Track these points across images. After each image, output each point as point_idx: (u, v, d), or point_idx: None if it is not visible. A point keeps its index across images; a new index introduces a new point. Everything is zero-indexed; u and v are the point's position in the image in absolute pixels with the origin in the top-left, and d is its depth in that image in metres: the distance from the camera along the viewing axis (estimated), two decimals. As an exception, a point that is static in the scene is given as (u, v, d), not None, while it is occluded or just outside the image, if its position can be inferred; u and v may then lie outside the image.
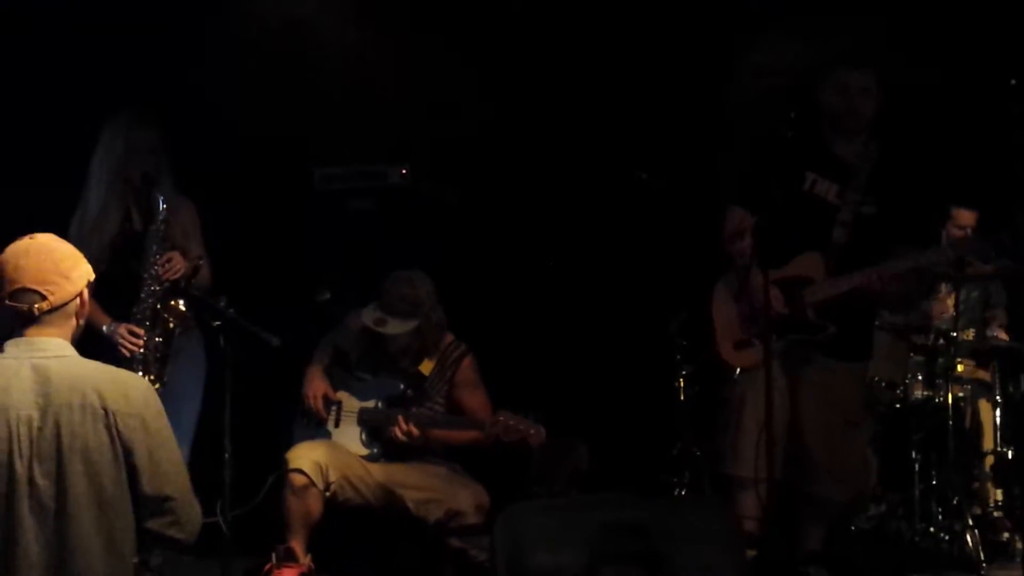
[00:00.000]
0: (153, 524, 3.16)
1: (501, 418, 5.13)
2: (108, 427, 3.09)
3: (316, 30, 6.43)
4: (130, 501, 3.12)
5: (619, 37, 6.55)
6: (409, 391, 5.36)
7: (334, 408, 5.36)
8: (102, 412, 3.09)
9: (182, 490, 3.18)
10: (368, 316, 5.28)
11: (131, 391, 3.17)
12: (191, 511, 3.21)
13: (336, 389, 5.39)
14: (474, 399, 5.39)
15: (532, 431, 5.12)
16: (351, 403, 5.37)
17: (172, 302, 4.89)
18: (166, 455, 3.16)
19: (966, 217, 6.28)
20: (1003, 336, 6.29)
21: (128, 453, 3.11)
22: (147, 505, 3.14)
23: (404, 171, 6.54)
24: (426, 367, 5.41)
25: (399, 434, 5.18)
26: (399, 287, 5.29)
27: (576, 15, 6.50)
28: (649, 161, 6.40)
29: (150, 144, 4.93)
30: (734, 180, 5.17)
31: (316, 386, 5.36)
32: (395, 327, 5.26)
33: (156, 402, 3.21)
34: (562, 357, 6.48)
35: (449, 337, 5.48)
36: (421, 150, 6.57)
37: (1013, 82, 4.83)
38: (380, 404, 5.33)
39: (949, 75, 6.32)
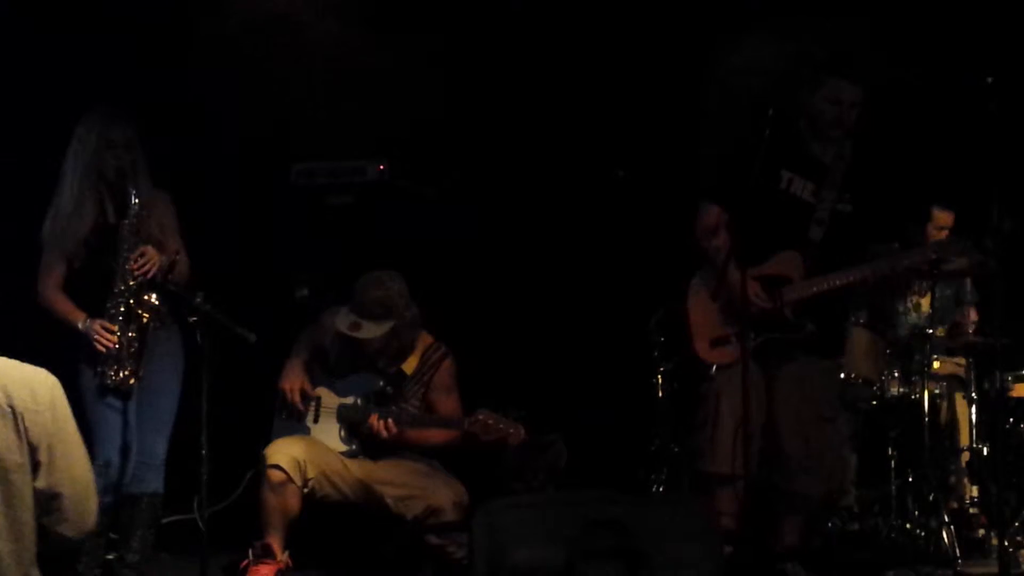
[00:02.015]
0: (43, 519, 3.15)
1: (480, 417, 5.12)
2: (16, 426, 3.08)
3: (295, 25, 6.42)
4: (32, 495, 3.12)
5: (598, 34, 6.56)
6: (388, 388, 5.35)
7: (313, 404, 5.35)
8: (10, 411, 3.08)
9: (76, 487, 3.15)
10: (342, 322, 5.26)
11: (38, 387, 3.15)
12: (83, 508, 3.19)
13: (315, 385, 5.37)
14: (447, 404, 5.38)
15: (511, 431, 5.11)
16: (330, 399, 5.35)
17: (146, 297, 4.87)
18: (64, 452, 3.14)
19: (944, 218, 6.31)
20: (970, 332, 6.32)
21: (33, 450, 3.10)
22: (39, 501, 3.13)
23: (382, 167, 6.53)
24: (409, 365, 5.40)
25: (376, 428, 5.17)
26: (370, 289, 5.26)
27: (556, 13, 6.50)
28: (627, 158, 6.41)
29: (125, 140, 4.90)
30: (710, 177, 5.18)
31: (294, 379, 5.34)
32: (369, 331, 5.24)
33: (62, 397, 3.19)
34: (540, 353, 6.48)
35: (429, 338, 5.46)
36: (399, 146, 6.56)
37: (989, 80, 4.85)
38: (359, 401, 5.32)
39: (926, 74, 6.35)
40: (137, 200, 4.86)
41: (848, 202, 4.95)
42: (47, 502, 3.13)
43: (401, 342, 5.36)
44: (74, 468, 3.16)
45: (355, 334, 5.24)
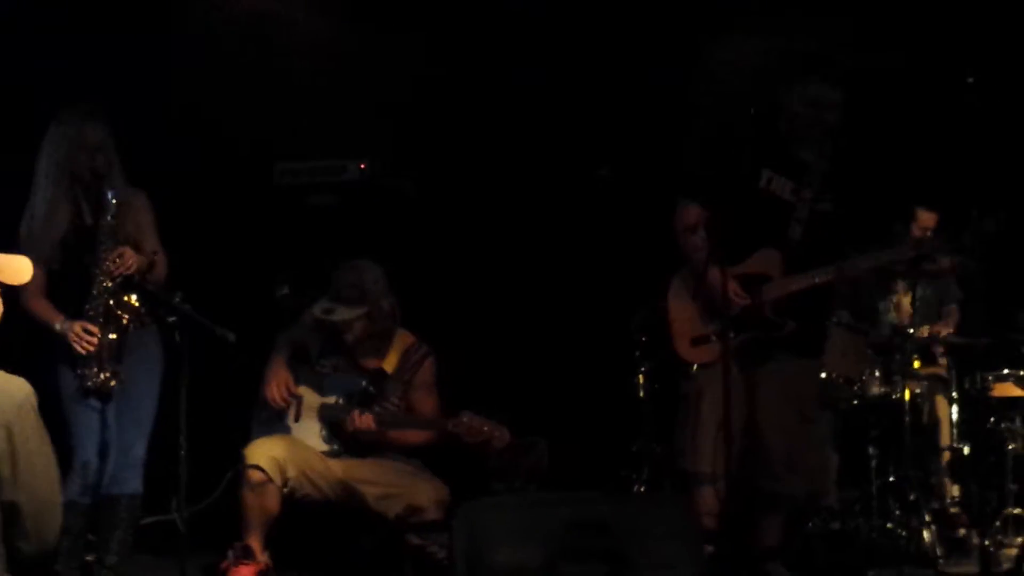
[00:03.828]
0: (2, 532, 3.04)
1: (465, 419, 5.12)
2: None
3: (277, 25, 6.41)
4: None
5: (583, 33, 6.55)
6: (370, 387, 5.34)
7: (294, 403, 5.33)
8: None
9: (36, 502, 3.01)
10: (318, 308, 5.28)
11: (3, 398, 3.04)
12: (42, 525, 3.03)
13: (297, 384, 5.36)
14: (427, 403, 5.39)
15: (496, 433, 5.11)
16: (312, 398, 5.34)
17: (125, 298, 4.84)
18: (27, 464, 3.00)
19: (928, 218, 6.32)
20: (949, 331, 6.32)
21: None
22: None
23: (362, 165, 6.52)
24: (389, 364, 5.39)
25: (350, 427, 5.16)
26: (345, 275, 5.29)
27: (540, 11, 6.50)
28: (609, 156, 6.41)
29: (99, 139, 4.86)
30: (690, 175, 5.18)
31: (279, 376, 5.32)
32: (343, 313, 5.24)
33: (30, 408, 3.06)
34: (522, 353, 6.47)
35: (411, 338, 5.46)
36: (381, 145, 6.55)
37: (970, 80, 4.86)
38: (341, 400, 5.31)
39: (907, 74, 6.36)
40: (114, 200, 4.83)
41: (828, 201, 4.95)
42: (7, 514, 3.01)
43: (378, 332, 5.35)
44: (36, 483, 3.02)
45: (328, 317, 5.25)
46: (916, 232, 6.31)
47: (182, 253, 5.08)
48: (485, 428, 5.10)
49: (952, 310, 6.47)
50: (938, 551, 5.46)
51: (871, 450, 5.90)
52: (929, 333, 6.27)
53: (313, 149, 6.58)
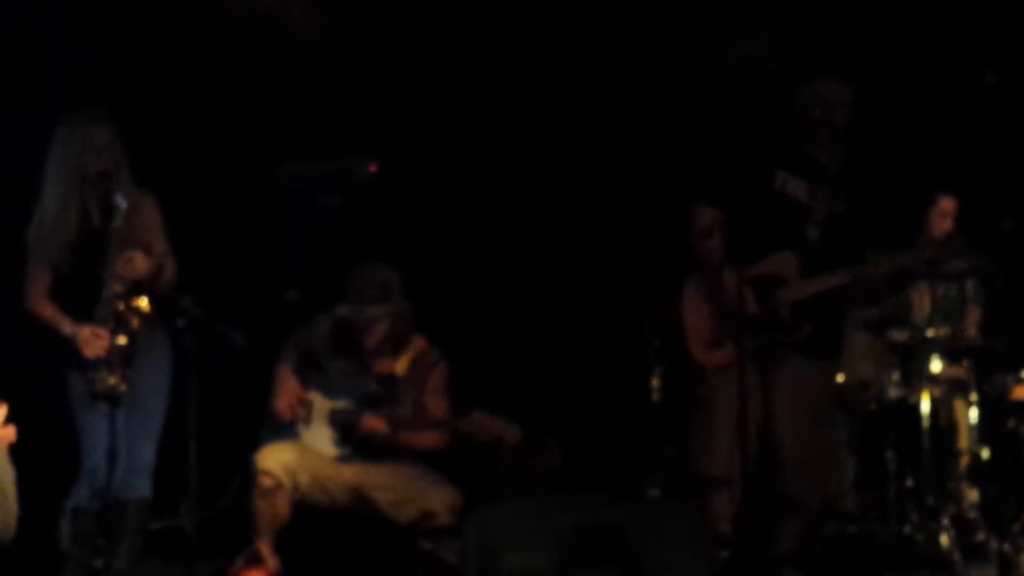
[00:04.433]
0: None
1: (476, 418, 5.10)
2: None
3: (283, 23, 6.39)
4: None
5: (591, 32, 6.52)
6: (380, 391, 5.31)
7: (304, 408, 5.30)
8: None
9: None
10: (343, 309, 5.27)
11: None
12: None
13: (307, 388, 5.33)
14: (438, 408, 5.37)
15: (508, 430, 5.12)
16: (322, 403, 5.32)
17: (135, 302, 4.81)
18: None
19: (948, 205, 6.24)
20: (971, 333, 6.26)
21: None
22: None
23: (372, 167, 6.49)
24: (400, 367, 5.37)
25: (361, 429, 5.15)
26: (366, 275, 5.29)
27: (548, 11, 6.47)
28: (621, 157, 6.37)
29: (107, 140, 4.84)
30: (704, 178, 5.16)
31: (287, 386, 5.30)
32: (372, 311, 5.23)
33: None
34: (534, 356, 6.44)
35: (423, 342, 5.45)
36: (389, 146, 6.52)
37: (990, 78, 4.82)
38: (351, 404, 5.28)
39: (922, 72, 6.31)
40: (124, 205, 4.80)
41: (844, 201, 4.92)
42: None
43: (397, 335, 5.34)
44: None
45: (359, 315, 5.23)
46: (935, 219, 6.23)
47: (190, 256, 5.06)
48: (497, 425, 5.09)
49: (974, 311, 6.39)
50: (956, 556, 5.40)
51: (889, 454, 5.83)
52: (951, 335, 6.20)
53: (321, 150, 6.55)
